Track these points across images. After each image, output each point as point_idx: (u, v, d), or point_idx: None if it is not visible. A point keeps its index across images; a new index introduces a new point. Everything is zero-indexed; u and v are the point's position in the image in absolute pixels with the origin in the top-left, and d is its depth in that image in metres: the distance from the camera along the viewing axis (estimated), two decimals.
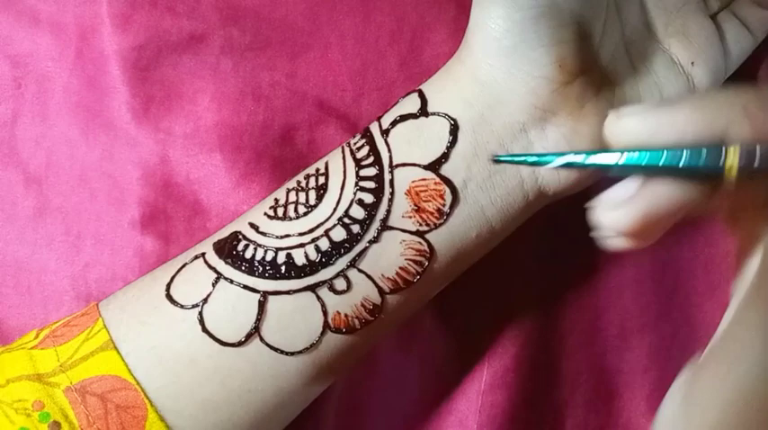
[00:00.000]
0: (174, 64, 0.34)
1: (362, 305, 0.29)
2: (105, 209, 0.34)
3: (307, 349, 0.28)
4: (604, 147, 0.26)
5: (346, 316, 0.29)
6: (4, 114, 0.35)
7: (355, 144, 0.30)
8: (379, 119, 0.30)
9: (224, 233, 0.30)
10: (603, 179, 0.30)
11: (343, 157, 0.30)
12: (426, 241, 0.29)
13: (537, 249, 0.35)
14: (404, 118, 0.30)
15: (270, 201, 0.30)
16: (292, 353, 0.28)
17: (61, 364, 0.28)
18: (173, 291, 0.29)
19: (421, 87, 0.30)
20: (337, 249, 0.28)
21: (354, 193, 0.29)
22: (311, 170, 0.30)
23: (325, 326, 0.28)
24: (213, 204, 0.34)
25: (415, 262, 0.29)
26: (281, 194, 0.30)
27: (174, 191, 0.34)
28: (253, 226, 0.29)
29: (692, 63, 0.32)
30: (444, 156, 0.29)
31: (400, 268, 0.29)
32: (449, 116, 0.29)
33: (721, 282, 0.37)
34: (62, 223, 0.34)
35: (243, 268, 0.28)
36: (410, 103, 0.30)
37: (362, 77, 0.35)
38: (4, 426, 0.27)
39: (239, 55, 0.34)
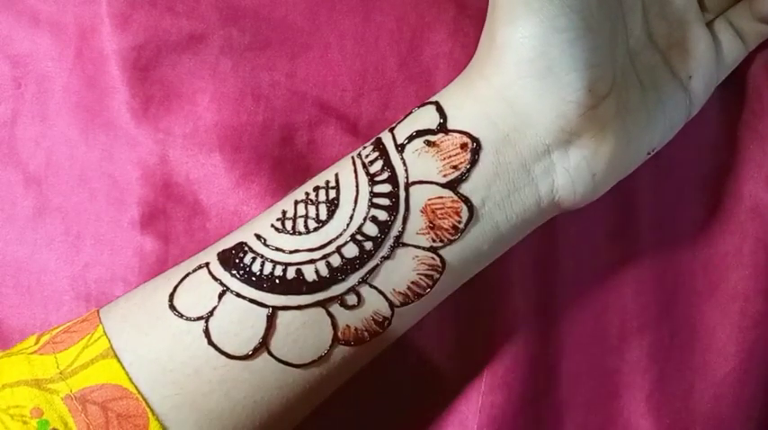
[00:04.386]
0: (174, 64, 0.34)
1: (372, 319, 0.28)
2: (105, 209, 0.34)
3: (315, 361, 0.28)
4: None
5: (356, 329, 0.28)
6: (4, 114, 0.35)
7: (367, 157, 0.29)
8: (391, 130, 0.29)
9: (228, 243, 0.29)
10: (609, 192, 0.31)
11: (355, 170, 0.29)
12: (439, 256, 0.28)
13: (537, 249, 0.35)
14: (421, 133, 0.29)
15: (277, 213, 0.29)
16: (300, 366, 0.28)
17: (61, 372, 0.28)
18: (176, 302, 0.28)
19: (437, 100, 0.29)
20: (349, 266, 0.28)
21: (368, 210, 0.28)
22: (320, 181, 0.29)
23: (335, 339, 0.28)
24: (213, 204, 0.34)
25: (427, 276, 0.28)
26: (288, 206, 0.29)
27: (173, 191, 0.34)
28: (259, 238, 0.29)
29: (690, 77, 0.32)
30: (464, 176, 0.28)
31: (412, 282, 0.28)
32: (471, 135, 0.28)
33: (721, 282, 0.37)
34: (62, 223, 0.34)
35: (251, 282, 0.28)
36: (427, 117, 0.29)
37: (362, 77, 0.35)
38: None
39: (239, 55, 0.34)
